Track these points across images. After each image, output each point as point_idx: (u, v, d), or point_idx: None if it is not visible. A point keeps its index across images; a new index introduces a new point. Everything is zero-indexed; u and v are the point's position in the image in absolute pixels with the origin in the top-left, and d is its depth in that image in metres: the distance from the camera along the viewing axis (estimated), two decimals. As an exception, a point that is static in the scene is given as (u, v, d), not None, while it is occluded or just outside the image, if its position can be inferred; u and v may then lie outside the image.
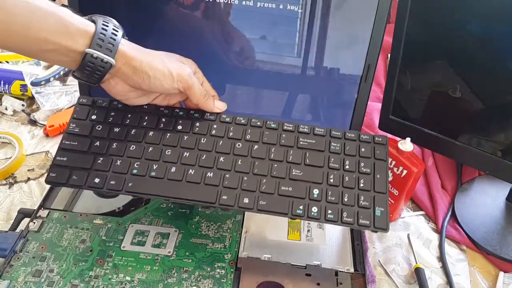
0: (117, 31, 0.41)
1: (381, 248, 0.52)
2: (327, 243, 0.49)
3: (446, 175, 0.60)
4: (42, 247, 0.46)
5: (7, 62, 0.73)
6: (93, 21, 0.40)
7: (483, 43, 0.45)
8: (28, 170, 0.59)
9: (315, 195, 0.43)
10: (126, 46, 0.41)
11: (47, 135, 0.64)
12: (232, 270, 0.46)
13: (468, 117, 0.50)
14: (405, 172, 0.48)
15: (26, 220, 0.50)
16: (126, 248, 0.47)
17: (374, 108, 0.65)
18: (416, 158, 0.49)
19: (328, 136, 0.47)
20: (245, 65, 0.51)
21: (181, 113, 0.48)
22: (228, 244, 0.48)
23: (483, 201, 0.57)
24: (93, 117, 0.47)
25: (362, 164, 0.45)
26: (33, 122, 0.66)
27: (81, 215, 0.50)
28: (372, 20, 0.46)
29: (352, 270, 0.47)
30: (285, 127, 0.47)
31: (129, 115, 0.47)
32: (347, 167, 0.45)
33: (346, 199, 0.43)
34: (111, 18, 0.42)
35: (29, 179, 0.58)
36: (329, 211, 0.42)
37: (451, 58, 0.48)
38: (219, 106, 0.48)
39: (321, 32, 0.48)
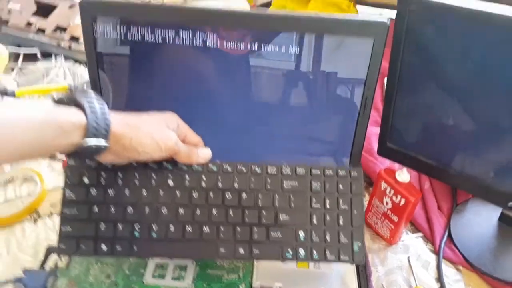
0: (104, 111, 0.41)
1: (383, 272, 0.56)
2: (334, 269, 0.53)
3: (442, 196, 0.64)
4: (71, 284, 0.50)
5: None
6: (79, 105, 0.41)
7: (477, 72, 0.48)
8: (51, 205, 0.63)
9: (302, 238, 0.49)
10: (116, 125, 0.42)
11: (66, 169, 0.68)
12: (247, 299, 0.49)
13: (459, 144, 0.54)
14: (403, 201, 0.52)
15: (54, 255, 0.53)
16: (148, 282, 0.50)
17: (372, 132, 0.69)
18: (413, 187, 0.52)
19: (308, 175, 0.51)
20: (244, 98, 0.53)
21: (169, 166, 0.50)
22: (242, 274, 0.52)
23: (477, 221, 0.61)
24: (86, 180, 0.49)
25: (341, 201, 0.50)
26: (52, 156, 0.70)
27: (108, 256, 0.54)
28: (368, 58, 0.49)
29: (357, 295, 0.51)
30: (269, 171, 0.51)
31: (120, 174, 0.49)
32: (327, 206, 0.50)
33: (328, 238, 0.49)
34: (90, 92, 0.43)
35: (52, 213, 0.62)
36: (315, 252, 0.49)
37: (446, 88, 0.51)
38: (203, 155, 0.50)
39: (316, 70, 0.51)
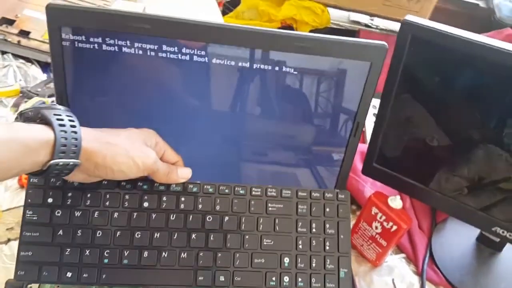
0: (74, 125, 0.38)
1: (371, 296, 0.55)
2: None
3: (422, 214, 0.64)
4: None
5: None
6: (47, 123, 0.37)
7: (465, 99, 0.49)
8: (7, 229, 0.56)
9: (286, 264, 0.46)
10: (87, 141, 0.38)
11: (22, 187, 0.60)
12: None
13: (442, 166, 0.54)
14: (395, 227, 0.51)
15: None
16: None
17: (357, 150, 0.68)
18: (405, 214, 0.52)
19: (295, 198, 0.49)
20: (230, 116, 0.50)
21: (144, 186, 0.46)
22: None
23: (457, 241, 0.61)
24: (50, 200, 0.44)
25: (327, 226, 0.48)
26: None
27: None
28: (363, 82, 0.47)
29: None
30: (253, 192, 0.48)
31: (89, 195, 0.45)
32: (314, 230, 0.48)
33: (314, 265, 0.47)
34: (59, 107, 0.39)
35: (9, 240, 0.54)
36: (299, 279, 0.46)
37: (434, 112, 0.51)
38: (183, 175, 0.47)
39: (309, 91, 0.49)
